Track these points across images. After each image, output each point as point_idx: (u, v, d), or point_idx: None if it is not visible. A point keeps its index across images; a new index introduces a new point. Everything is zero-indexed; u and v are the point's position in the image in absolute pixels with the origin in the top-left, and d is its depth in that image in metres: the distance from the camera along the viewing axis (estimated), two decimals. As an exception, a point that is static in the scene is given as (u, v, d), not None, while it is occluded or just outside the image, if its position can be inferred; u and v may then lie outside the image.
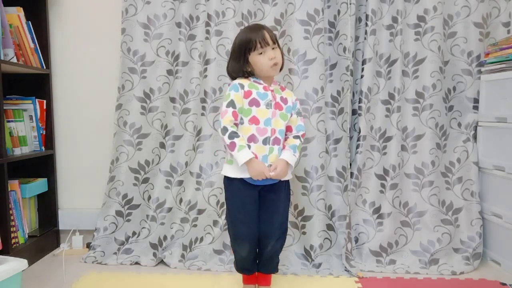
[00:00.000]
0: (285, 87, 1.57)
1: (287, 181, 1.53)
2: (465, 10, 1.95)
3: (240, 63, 1.46)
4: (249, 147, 1.41)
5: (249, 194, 1.46)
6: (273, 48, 1.44)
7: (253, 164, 1.39)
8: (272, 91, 1.48)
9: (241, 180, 1.44)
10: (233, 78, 1.51)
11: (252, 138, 1.42)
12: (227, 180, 1.49)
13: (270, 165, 1.43)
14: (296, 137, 1.52)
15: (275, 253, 1.55)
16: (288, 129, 1.52)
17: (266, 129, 1.43)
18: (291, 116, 1.51)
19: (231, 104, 1.42)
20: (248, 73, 1.48)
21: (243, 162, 1.38)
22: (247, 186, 1.44)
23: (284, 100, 1.50)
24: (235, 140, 1.39)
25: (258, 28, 1.45)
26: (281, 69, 1.52)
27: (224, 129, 1.41)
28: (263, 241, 1.51)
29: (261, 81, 1.49)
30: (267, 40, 1.42)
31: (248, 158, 1.37)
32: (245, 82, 1.46)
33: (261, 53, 1.43)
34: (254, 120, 1.43)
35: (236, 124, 1.43)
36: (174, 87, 2.01)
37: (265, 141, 1.43)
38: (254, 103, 1.44)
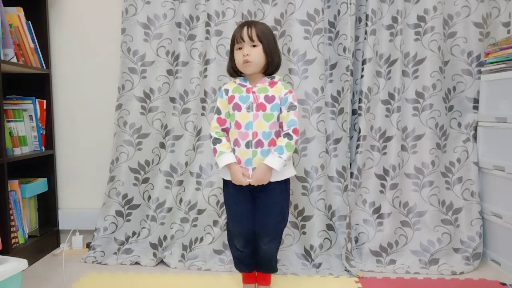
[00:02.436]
0: (278, 81, 1.48)
1: (284, 181, 1.49)
2: (465, 10, 1.95)
3: (231, 58, 1.48)
4: (234, 151, 1.45)
5: (241, 194, 1.48)
6: (253, 46, 1.41)
7: (231, 171, 1.44)
8: (254, 92, 1.45)
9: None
10: (229, 73, 1.53)
11: (236, 143, 1.45)
12: (223, 180, 1.54)
13: (255, 168, 1.43)
14: (286, 134, 1.43)
15: (271, 254, 1.54)
16: (281, 125, 1.47)
17: (247, 133, 1.43)
18: (280, 112, 1.44)
19: (217, 111, 1.49)
20: (237, 70, 1.48)
21: (221, 166, 1.46)
22: (238, 185, 1.45)
23: (270, 99, 1.44)
24: (216, 146, 1.46)
25: (243, 24, 1.45)
26: (271, 70, 1.47)
27: (210, 136, 1.49)
28: (257, 241, 1.52)
29: (247, 83, 1.47)
30: (243, 36, 1.41)
31: (224, 164, 1.44)
32: (230, 86, 1.49)
33: (240, 48, 1.43)
34: (237, 125, 1.45)
35: (225, 130, 1.48)
36: (174, 87, 2.01)
37: (247, 145, 1.43)
38: (236, 107, 1.45)
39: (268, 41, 1.43)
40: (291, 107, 1.45)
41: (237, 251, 1.54)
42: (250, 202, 1.49)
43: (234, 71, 1.50)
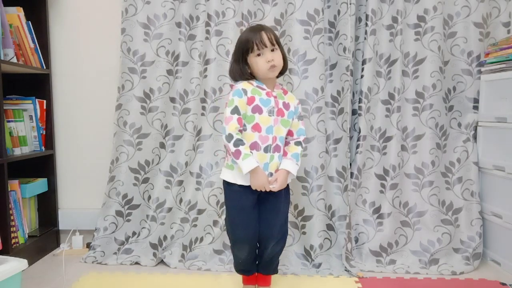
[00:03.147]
0: (287, 90, 1.54)
1: (287, 185, 1.52)
2: (465, 10, 1.95)
3: (240, 65, 1.44)
4: None
5: (249, 198, 1.45)
6: (272, 50, 1.41)
7: (256, 175, 1.38)
8: (275, 97, 1.45)
9: (241, 184, 1.43)
10: (235, 80, 1.48)
11: (254, 146, 1.41)
12: (226, 184, 1.48)
13: (271, 173, 1.43)
14: (298, 143, 1.50)
15: (275, 256, 1.54)
16: (289, 133, 1.50)
17: (268, 137, 1.42)
18: (292, 120, 1.48)
19: (236, 110, 1.39)
20: (250, 75, 1.45)
21: (248, 171, 1.36)
22: (246, 190, 1.42)
23: (287, 106, 1.47)
24: (240, 148, 1.36)
25: (257, 29, 1.42)
26: (283, 72, 1.50)
27: (230, 136, 1.38)
28: (263, 244, 1.51)
29: (264, 86, 1.45)
30: (265, 42, 1.39)
31: (253, 167, 1.36)
32: (248, 87, 1.43)
33: (259, 55, 1.41)
34: (257, 128, 1.41)
35: (240, 131, 1.41)
36: (174, 87, 2.01)
37: (266, 149, 1.42)
38: (257, 110, 1.41)
39: (281, 45, 1.47)
40: (301, 117, 1.53)
41: (240, 259, 1.52)
42: (257, 208, 1.48)
43: (242, 77, 1.45)
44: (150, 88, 2.00)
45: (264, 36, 1.39)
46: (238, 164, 1.38)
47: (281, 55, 1.44)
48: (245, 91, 1.41)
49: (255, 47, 1.39)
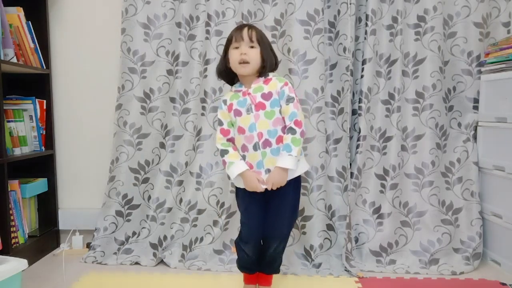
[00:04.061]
0: (272, 78, 1.44)
1: (295, 180, 1.46)
2: (465, 10, 1.95)
3: (224, 59, 1.46)
4: (244, 157, 1.43)
5: (253, 199, 1.45)
6: (251, 47, 1.41)
7: (246, 178, 1.41)
8: (249, 93, 1.43)
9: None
10: (218, 74, 1.50)
11: (244, 148, 1.43)
12: (236, 186, 1.53)
13: (268, 169, 1.41)
14: (289, 129, 1.39)
15: (277, 255, 1.54)
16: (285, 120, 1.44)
17: (252, 135, 1.41)
18: (280, 107, 1.41)
19: (219, 122, 1.49)
20: (229, 70, 1.45)
21: (233, 177, 1.43)
22: (250, 192, 1.43)
23: (267, 96, 1.41)
24: (225, 157, 1.44)
25: (241, 26, 1.45)
26: (264, 71, 1.43)
27: (217, 149, 1.50)
28: (265, 243, 1.51)
29: (242, 87, 1.46)
30: (243, 36, 1.40)
31: (236, 174, 1.41)
32: (228, 96, 1.48)
33: (236, 48, 1.41)
34: (241, 130, 1.43)
35: (230, 139, 1.47)
36: (174, 87, 2.01)
37: (255, 147, 1.41)
38: (237, 113, 1.43)
39: (265, 46, 1.44)
40: (289, 100, 1.40)
41: (244, 255, 1.52)
42: (261, 207, 1.47)
43: (224, 73, 1.48)
44: (150, 88, 2.01)
45: (244, 31, 1.41)
46: (227, 173, 1.45)
47: (259, 54, 1.41)
48: (225, 101, 1.48)
49: (234, 39, 1.42)
